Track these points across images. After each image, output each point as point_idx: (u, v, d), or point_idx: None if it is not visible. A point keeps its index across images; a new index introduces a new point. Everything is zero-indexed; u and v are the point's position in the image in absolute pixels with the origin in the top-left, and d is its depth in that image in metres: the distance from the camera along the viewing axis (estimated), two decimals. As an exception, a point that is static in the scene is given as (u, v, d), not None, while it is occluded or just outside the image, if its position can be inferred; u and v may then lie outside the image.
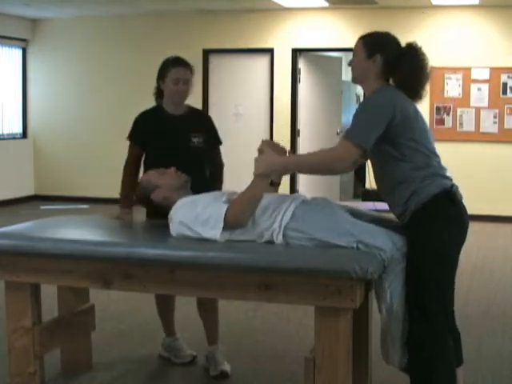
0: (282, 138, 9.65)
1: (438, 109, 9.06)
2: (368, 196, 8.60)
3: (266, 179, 3.00)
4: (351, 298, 2.69)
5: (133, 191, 3.65)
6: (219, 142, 3.94)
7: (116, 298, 5.03)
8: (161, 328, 4.00)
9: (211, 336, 3.81)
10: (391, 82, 2.98)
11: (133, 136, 3.80)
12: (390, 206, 3.00)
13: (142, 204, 3.42)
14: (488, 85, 8.97)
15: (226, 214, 2.92)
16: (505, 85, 8.91)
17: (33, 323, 3.23)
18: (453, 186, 2.89)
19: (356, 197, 10.64)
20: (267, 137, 9.82)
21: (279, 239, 2.89)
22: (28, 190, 10.67)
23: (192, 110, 3.88)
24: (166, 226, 3.57)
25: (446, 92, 8.97)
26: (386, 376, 3.23)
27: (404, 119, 2.83)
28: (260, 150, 3.04)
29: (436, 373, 2.85)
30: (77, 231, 3.41)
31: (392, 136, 2.83)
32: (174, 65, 3.70)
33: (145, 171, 3.69)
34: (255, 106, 9.93)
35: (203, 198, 3.12)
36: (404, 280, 2.85)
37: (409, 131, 2.85)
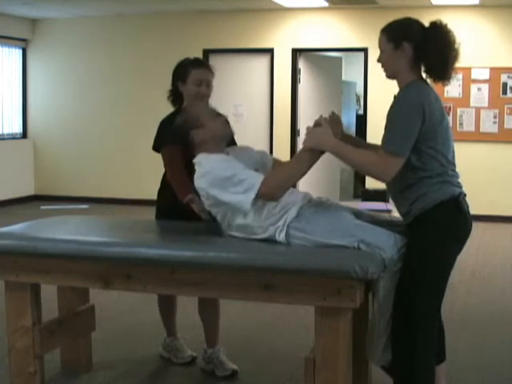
0: (282, 137, 9.67)
1: (438, 109, 9.05)
2: (368, 196, 8.59)
3: (314, 154, 2.88)
4: (351, 297, 2.69)
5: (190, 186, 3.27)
6: (235, 145, 3.86)
7: (116, 298, 5.03)
8: (161, 328, 4.00)
9: (212, 337, 3.81)
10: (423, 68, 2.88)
11: (167, 138, 3.49)
12: (395, 204, 2.99)
13: (174, 138, 3.18)
14: (488, 85, 8.97)
15: (261, 183, 2.82)
16: (505, 85, 8.91)
17: (33, 323, 3.23)
18: (460, 193, 2.87)
19: (356, 197, 10.64)
20: (267, 136, 9.82)
21: (281, 237, 2.88)
22: (28, 190, 10.66)
23: None
24: (167, 227, 3.57)
25: (445, 92, 8.96)
26: (385, 376, 3.23)
27: (429, 126, 2.77)
28: (316, 123, 2.92)
29: (418, 371, 2.87)
30: (77, 231, 3.41)
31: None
32: (195, 66, 3.61)
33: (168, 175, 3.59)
34: (255, 106, 9.93)
35: (239, 163, 2.97)
36: (397, 280, 2.86)
37: (431, 139, 2.79)
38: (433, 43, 2.81)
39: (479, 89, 8.97)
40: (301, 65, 9.78)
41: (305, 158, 2.91)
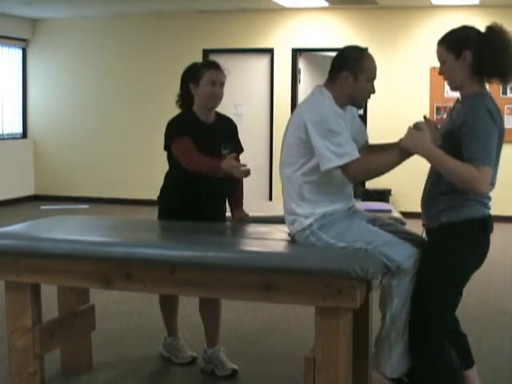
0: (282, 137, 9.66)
1: (438, 109, 9.05)
2: (368, 196, 8.59)
3: (405, 155, 2.82)
4: (351, 297, 2.69)
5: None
6: (242, 150, 3.83)
7: (116, 298, 5.03)
8: (161, 328, 4.00)
9: (213, 337, 3.80)
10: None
11: (177, 131, 3.52)
12: (423, 206, 2.97)
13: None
14: (488, 85, 8.96)
15: (353, 160, 2.80)
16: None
17: (33, 323, 3.23)
18: (489, 215, 2.90)
19: (356, 197, 10.62)
20: (267, 136, 9.82)
21: (305, 222, 2.90)
22: (28, 190, 10.66)
23: (220, 116, 3.80)
24: (167, 227, 3.58)
25: (445, 92, 8.95)
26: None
27: None
28: (416, 126, 2.85)
29: (434, 374, 2.88)
30: (76, 231, 3.41)
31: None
32: (209, 68, 3.64)
33: (173, 172, 3.62)
34: (255, 106, 9.93)
35: (347, 129, 2.95)
36: (411, 290, 2.87)
37: None
38: (490, 45, 2.79)
39: (479, 89, 8.97)
40: (301, 65, 9.78)
41: (396, 156, 2.83)
